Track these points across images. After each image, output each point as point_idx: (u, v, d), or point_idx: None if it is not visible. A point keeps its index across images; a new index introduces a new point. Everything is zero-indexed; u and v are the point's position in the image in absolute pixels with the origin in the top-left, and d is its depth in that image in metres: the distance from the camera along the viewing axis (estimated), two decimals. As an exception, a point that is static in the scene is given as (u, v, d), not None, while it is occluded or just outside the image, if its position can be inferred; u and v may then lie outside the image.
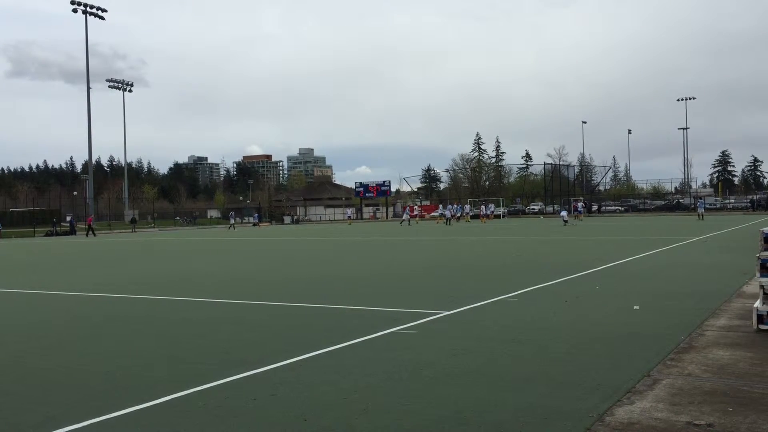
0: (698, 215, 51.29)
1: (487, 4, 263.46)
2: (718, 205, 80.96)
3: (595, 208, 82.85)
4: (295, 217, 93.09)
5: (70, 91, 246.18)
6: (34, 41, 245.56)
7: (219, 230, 62.14)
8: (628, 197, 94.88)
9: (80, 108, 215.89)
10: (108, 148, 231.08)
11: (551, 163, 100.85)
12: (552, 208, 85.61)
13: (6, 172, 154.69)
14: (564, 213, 49.93)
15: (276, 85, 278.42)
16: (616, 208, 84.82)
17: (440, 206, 68.54)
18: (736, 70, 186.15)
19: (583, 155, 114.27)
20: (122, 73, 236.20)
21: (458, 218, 63.67)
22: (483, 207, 69.23)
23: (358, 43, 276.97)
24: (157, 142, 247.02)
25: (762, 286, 7.74)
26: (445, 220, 60.03)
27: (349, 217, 77.08)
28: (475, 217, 67.08)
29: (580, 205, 64.67)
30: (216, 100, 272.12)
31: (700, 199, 64.79)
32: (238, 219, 79.70)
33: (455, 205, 70.45)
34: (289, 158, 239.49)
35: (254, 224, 75.90)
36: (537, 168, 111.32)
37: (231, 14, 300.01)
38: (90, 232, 54.14)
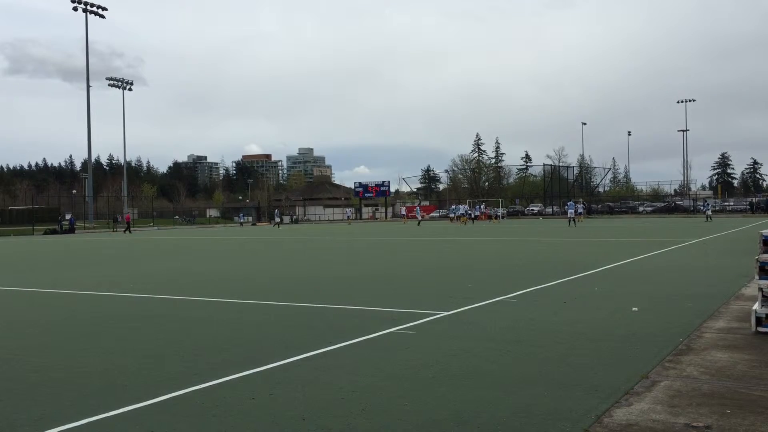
0: (706, 217, 52.37)
1: (486, 5, 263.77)
2: (717, 208, 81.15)
3: (642, 208, 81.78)
4: (295, 216, 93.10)
5: (68, 90, 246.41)
6: (31, 39, 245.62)
7: (238, 228, 62.12)
8: (627, 199, 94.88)
9: (79, 106, 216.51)
10: (107, 147, 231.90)
11: (551, 165, 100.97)
12: (551, 210, 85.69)
13: (5, 170, 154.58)
14: (571, 210, 49.03)
15: (275, 85, 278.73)
16: (652, 206, 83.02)
17: (462, 206, 69.31)
18: (736, 73, 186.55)
19: (582, 157, 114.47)
20: (120, 72, 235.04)
21: (458, 218, 64.25)
22: (482, 207, 69.88)
23: (358, 43, 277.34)
24: (156, 140, 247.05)
25: (761, 289, 7.74)
26: (470, 220, 60.51)
27: (349, 217, 77.07)
28: (476, 217, 67.74)
29: (580, 206, 65.11)
30: (215, 99, 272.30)
31: (706, 201, 65.53)
32: (247, 218, 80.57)
33: (460, 206, 71.30)
34: (289, 158, 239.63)
35: (251, 224, 75.93)
36: (536, 169, 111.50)
37: (230, 13, 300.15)
38: (128, 229, 55.23)
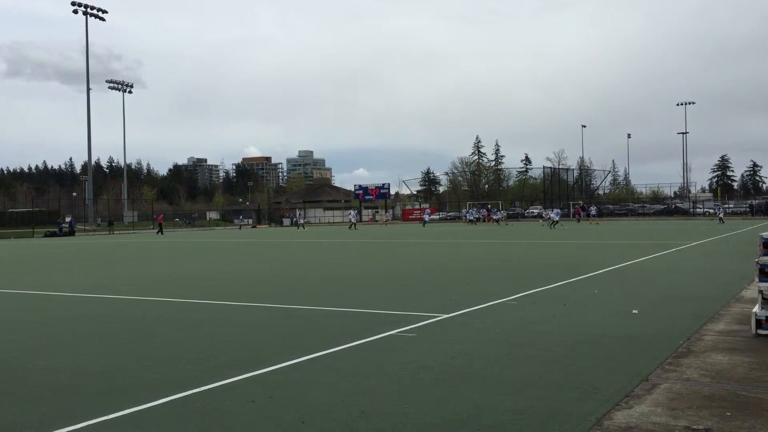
0: (719, 219, 53.04)
1: (484, 8, 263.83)
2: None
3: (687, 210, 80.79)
4: (294, 219, 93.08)
5: (66, 92, 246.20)
6: (29, 41, 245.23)
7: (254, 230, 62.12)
8: (627, 201, 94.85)
9: (78, 109, 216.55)
10: (107, 149, 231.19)
11: (550, 167, 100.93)
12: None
13: (5, 172, 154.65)
14: (555, 213, 50.27)
15: (274, 87, 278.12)
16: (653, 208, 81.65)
17: (474, 210, 70.95)
18: (735, 75, 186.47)
19: (582, 159, 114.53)
20: (118, 74, 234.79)
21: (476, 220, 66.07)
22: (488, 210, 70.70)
23: (357, 46, 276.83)
24: (156, 143, 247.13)
25: (761, 291, 7.74)
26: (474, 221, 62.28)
27: (351, 220, 73.72)
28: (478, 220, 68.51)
29: (593, 209, 66.52)
30: (214, 101, 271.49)
31: (717, 204, 66.28)
32: (245, 220, 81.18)
33: (471, 210, 72.79)
34: (289, 160, 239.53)
35: (251, 226, 76.00)
36: (536, 172, 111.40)
37: (229, 15, 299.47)
38: (160, 230, 56.55)
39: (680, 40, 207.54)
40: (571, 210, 75.63)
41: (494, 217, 62.45)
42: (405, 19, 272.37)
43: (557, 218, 49.58)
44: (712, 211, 68.30)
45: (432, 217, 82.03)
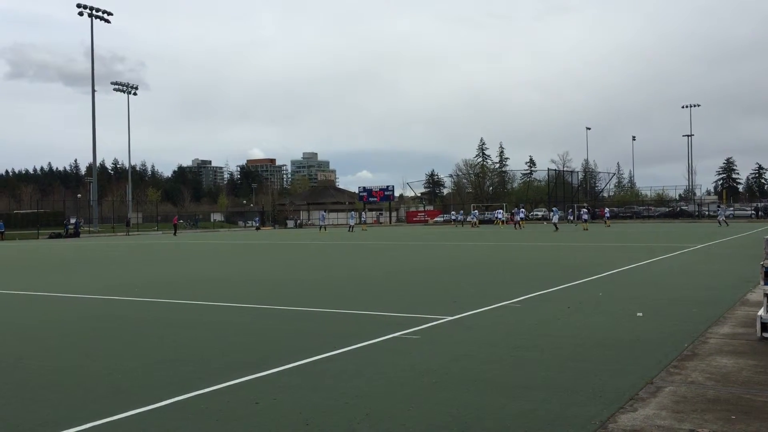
0: (719, 222, 52.82)
1: (485, 11, 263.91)
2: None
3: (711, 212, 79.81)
4: (299, 221, 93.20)
5: (70, 94, 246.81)
6: (31, 43, 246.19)
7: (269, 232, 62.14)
8: (631, 204, 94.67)
9: (82, 110, 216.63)
10: (112, 151, 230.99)
11: (555, 169, 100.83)
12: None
13: (10, 174, 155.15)
14: (556, 217, 50.42)
15: (278, 89, 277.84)
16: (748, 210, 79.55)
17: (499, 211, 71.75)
18: (739, 76, 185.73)
19: (587, 161, 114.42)
20: (122, 76, 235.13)
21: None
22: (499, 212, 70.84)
23: (359, 48, 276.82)
24: (160, 145, 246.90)
25: (766, 294, 7.72)
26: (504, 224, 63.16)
27: (364, 221, 73.45)
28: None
29: (607, 210, 66.58)
30: (218, 103, 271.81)
31: (719, 207, 66.17)
32: (251, 223, 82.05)
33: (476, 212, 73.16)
34: (293, 162, 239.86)
35: (257, 228, 76.23)
36: (541, 174, 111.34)
37: (232, 18, 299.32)
38: (175, 231, 58.52)
39: (683, 42, 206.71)
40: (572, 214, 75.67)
41: (517, 218, 62.07)
42: (406, 22, 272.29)
43: (557, 220, 49.63)
44: (715, 213, 68.11)
45: (436, 219, 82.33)
